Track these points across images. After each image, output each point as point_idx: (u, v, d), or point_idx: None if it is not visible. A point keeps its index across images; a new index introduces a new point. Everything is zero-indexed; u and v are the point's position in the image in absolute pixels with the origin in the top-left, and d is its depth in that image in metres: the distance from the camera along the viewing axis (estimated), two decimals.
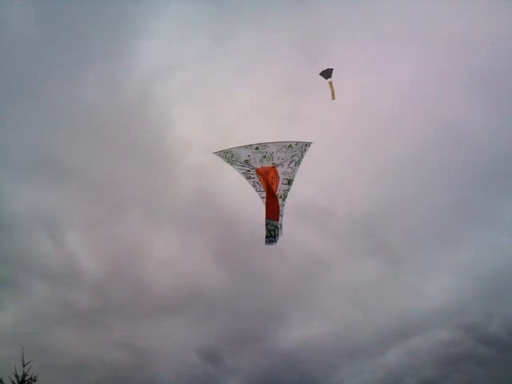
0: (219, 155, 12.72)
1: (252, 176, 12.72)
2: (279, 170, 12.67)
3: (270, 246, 12.48)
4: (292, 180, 12.76)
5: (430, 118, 26.64)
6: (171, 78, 26.49)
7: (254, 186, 12.73)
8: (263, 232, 12.70)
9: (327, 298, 26.10)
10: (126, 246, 26.09)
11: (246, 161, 12.64)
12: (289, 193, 12.79)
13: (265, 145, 12.69)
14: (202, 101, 26.49)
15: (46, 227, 25.79)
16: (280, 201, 12.69)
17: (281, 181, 12.71)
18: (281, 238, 12.89)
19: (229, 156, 12.68)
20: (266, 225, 12.65)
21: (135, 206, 27.10)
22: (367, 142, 26.51)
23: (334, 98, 15.09)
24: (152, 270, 26.33)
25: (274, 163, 12.67)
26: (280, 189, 12.71)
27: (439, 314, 24.92)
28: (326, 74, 15.37)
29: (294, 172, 12.75)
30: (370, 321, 25.31)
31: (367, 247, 27.11)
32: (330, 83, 15.17)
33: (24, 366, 11.18)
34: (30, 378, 11.18)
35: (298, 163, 12.76)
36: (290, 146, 12.75)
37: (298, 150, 12.76)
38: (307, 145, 12.80)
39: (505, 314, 24.41)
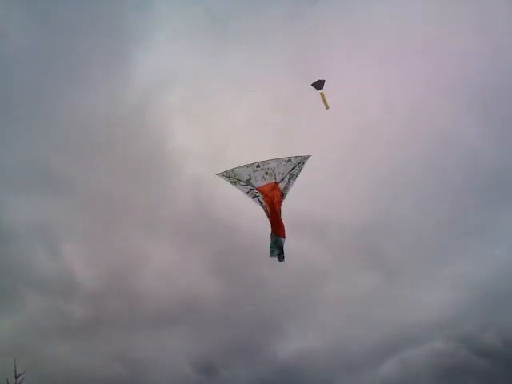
0: (223, 175, 12.84)
1: (257, 195, 12.83)
2: (281, 185, 12.83)
3: (268, 258, 12.67)
4: (286, 194, 12.87)
5: (426, 132, 26.90)
6: (170, 91, 26.77)
7: (260, 204, 12.85)
8: (269, 248, 12.89)
9: (324, 309, 26.13)
10: (122, 258, 26.14)
11: (248, 180, 12.75)
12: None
13: (265, 162, 12.83)
14: (200, 114, 26.68)
15: (43, 238, 25.98)
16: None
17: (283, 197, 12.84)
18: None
19: (232, 175, 12.81)
20: (275, 242, 12.79)
21: (132, 218, 27.21)
22: (364, 155, 26.68)
23: (327, 107, 15.22)
24: (148, 282, 26.34)
25: (275, 179, 12.79)
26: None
27: (435, 326, 25.01)
28: (318, 85, 15.55)
29: (289, 187, 12.86)
30: (366, 332, 25.34)
31: (364, 259, 27.24)
32: (322, 94, 15.34)
33: (16, 377, 11.23)
34: None
35: (295, 176, 12.88)
36: (290, 160, 12.90)
37: (296, 163, 12.90)
38: (305, 158, 12.94)
39: (500, 325, 24.53)
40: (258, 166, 12.80)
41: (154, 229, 27.42)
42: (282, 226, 12.76)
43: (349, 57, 25.12)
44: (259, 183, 12.77)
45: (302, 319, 26.19)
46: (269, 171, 12.80)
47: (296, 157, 12.90)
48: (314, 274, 26.70)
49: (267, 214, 12.78)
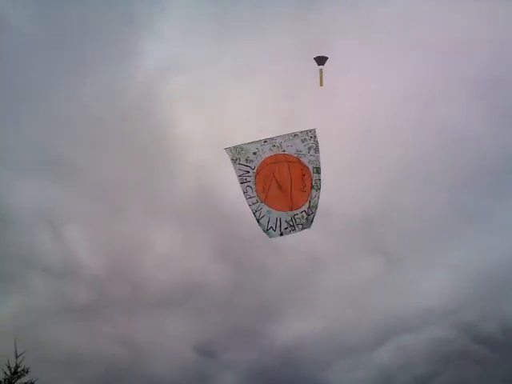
0: (230, 151, 12.75)
1: (248, 180, 12.72)
2: (304, 160, 12.77)
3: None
4: (319, 168, 12.84)
5: (427, 122, 26.88)
6: (174, 78, 26.76)
7: (245, 192, 12.69)
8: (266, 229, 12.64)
9: (324, 295, 26.35)
10: (126, 242, 26.42)
11: (254, 153, 12.72)
12: (320, 182, 12.84)
13: (272, 138, 12.84)
14: (204, 101, 26.71)
15: (46, 221, 26.18)
16: (315, 192, 12.74)
17: (311, 169, 12.77)
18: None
19: (239, 150, 12.76)
20: (279, 219, 12.65)
21: (136, 203, 27.35)
22: (365, 143, 26.70)
23: (322, 84, 15.20)
24: (151, 266, 26.58)
25: (283, 151, 12.77)
26: (313, 180, 12.75)
27: (434, 313, 25.22)
28: (320, 60, 15.47)
29: (317, 159, 12.83)
30: (365, 318, 25.58)
31: (364, 246, 27.38)
32: (321, 71, 15.31)
33: (17, 357, 11.34)
34: (23, 370, 11.32)
35: (316, 150, 12.86)
36: (296, 134, 12.90)
37: (306, 138, 12.89)
38: (311, 131, 12.92)
39: (499, 313, 24.71)
40: (265, 141, 12.84)
41: (158, 214, 27.65)
42: (292, 197, 12.74)
43: (354, 47, 25.03)
44: (266, 154, 12.75)
45: (302, 305, 26.49)
46: (276, 144, 12.82)
47: (302, 131, 12.89)
48: (314, 261, 26.87)
49: (251, 201, 12.67)
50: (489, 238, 26.02)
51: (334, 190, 26.93)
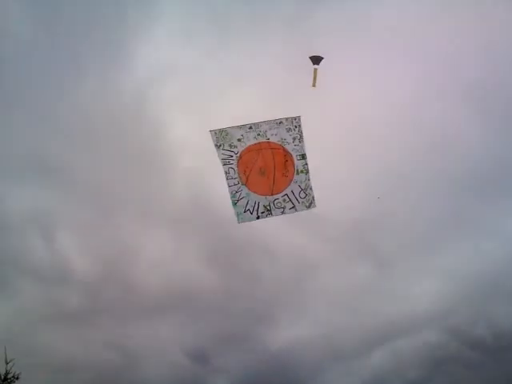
0: (214, 133, 13.11)
1: (231, 162, 13.09)
2: (288, 147, 13.18)
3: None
4: (305, 154, 13.26)
5: (420, 129, 26.95)
6: (168, 83, 26.58)
7: (227, 173, 13.07)
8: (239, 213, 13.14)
9: (316, 299, 26.42)
10: (118, 248, 26.27)
11: (239, 139, 13.07)
12: (309, 167, 13.31)
13: (258, 124, 13.19)
14: (199, 107, 26.72)
15: (38, 227, 26.11)
16: (303, 176, 13.22)
17: (295, 156, 13.19)
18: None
19: (224, 135, 13.11)
20: (257, 203, 13.08)
21: (128, 208, 27.32)
22: (358, 150, 26.80)
23: (314, 85, 15.28)
24: (143, 271, 26.47)
25: (268, 139, 13.14)
26: (297, 165, 13.19)
27: (425, 317, 25.34)
28: (315, 60, 15.51)
29: (302, 147, 13.24)
30: (357, 323, 25.64)
31: (357, 251, 27.43)
32: (315, 70, 15.35)
33: (7, 364, 11.38)
34: (13, 376, 11.36)
35: (301, 139, 13.24)
36: (281, 122, 13.27)
37: (291, 127, 13.26)
38: (296, 119, 13.28)
39: (490, 317, 24.90)
40: (250, 128, 13.19)
41: (150, 219, 27.60)
42: (273, 182, 13.20)
43: (348, 52, 25.12)
44: (251, 142, 13.11)
45: (294, 310, 26.53)
46: (261, 133, 13.18)
47: (287, 118, 13.26)
48: (306, 267, 26.96)
49: (231, 183, 13.05)
50: (479, 244, 26.27)
51: (327, 196, 27.14)
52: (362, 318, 25.67)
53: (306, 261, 26.80)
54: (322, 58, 15.57)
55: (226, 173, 13.09)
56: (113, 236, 26.48)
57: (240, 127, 13.18)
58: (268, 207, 13.12)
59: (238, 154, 13.09)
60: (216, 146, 13.14)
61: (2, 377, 11.28)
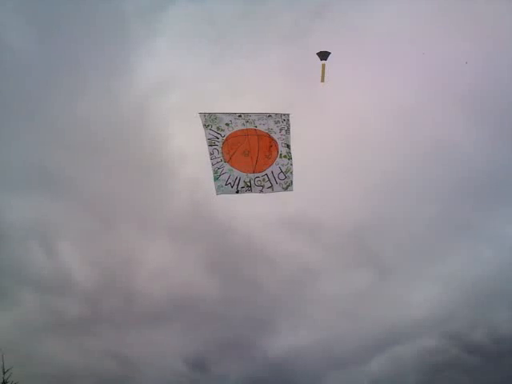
0: (204, 115, 13.54)
1: (216, 143, 13.51)
2: (274, 136, 13.68)
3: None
4: (289, 145, 13.80)
5: (418, 135, 27.05)
6: (169, 95, 26.81)
7: (211, 153, 13.48)
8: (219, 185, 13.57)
9: (315, 306, 26.39)
10: (118, 257, 26.31)
11: (227, 124, 13.50)
12: (292, 154, 13.85)
13: (247, 114, 13.65)
14: (198, 118, 26.86)
15: (39, 237, 26.11)
16: (286, 160, 13.73)
17: (280, 144, 13.71)
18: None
19: (212, 118, 13.51)
20: (238, 178, 13.52)
21: (129, 218, 27.43)
22: (357, 156, 26.93)
23: (323, 80, 15.48)
24: (143, 280, 26.52)
25: (255, 126, 13.59)
26: (281, 151, 13.70)
27: (424, 323, 25.32)
28: (323, 55, 15.69)
29: (287, 138, 13.79)
30: (356, 329, 25.64)
31: (356, 258, 27.45)
32: (323, 65, 15.50)
33: (4, 373, 11.49)
34: None
35: (287, 131, 13.79)
36: (270, 115, 13.73)
37: (280, 120, 13.75)
38: (285, 115, 13.80)
39: (489, 323, 24.85)
40: (239, 116, 13.60)
41: (150, 229, 27.71)
42: (256, 162, 13.68)
43: (346, 60, 25.31)
44: (238, 127, 13.52)
45: (294, 316, 26.58)
46: (249, 121, 13.61)
47: (276, 114, 13.73)
48: (306, 273, 27.04)
49: (215, 161, 13.44)
50: (479, 250, 26.31)
51: (326, 202, 27.36)
52: (361, 324, 25.71)
53: (305, 268, 26.92)
54: (330, 53, 15.76)
55: (210, 153, 13.52)
56: (113, 246, 26.50)
57: (229, 114, 13.63)
58: (248, 183, 13.64)
59: (225, 138, 13.51)
60: (204, 125, 13.53)
61: None
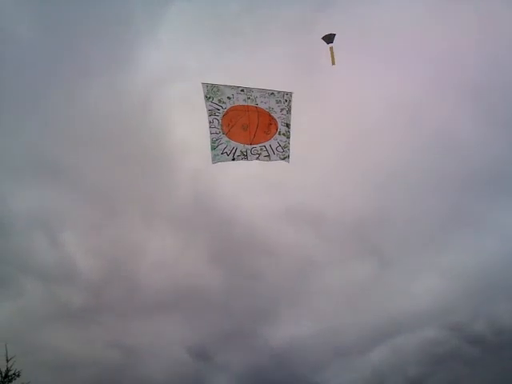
0: (206, 86, 13.47)
1: (217, 114, 13.50)
2: (274, 115, 13.69)
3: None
4: (289, 124, 13.82)
5: (420, 126, 27.19)
6: (172, 85, 26.86)
7: (211, 122, 13.47)
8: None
9: (317, 297, 26.67)
10: (122, 247, 26.61)
11: (229, 98, 13.49)
12: (291, 133, 13.85)
13: (249, 89, 13.60)
14: (201, 109, 26.90)
15: (43, 227, 26.34)
16: (284, 138, 13.76)
17: (280, 123, 13.73)
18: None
19: (215, 90, 13.49)
20: (235, 148, 13.59)
21: (132, 208, 27.65)
22: (359, 148, 27.05)
23: (334, 63, 15.50)
24: (147, 271, 26.83)
25: (257, 104, 13.60)
26: (280, 129, 13.72)
27: (426, 314, 25.44)
28: (328, 38, 15.72)
29: (288, 118, 13.78)
30: (358, 320, 25.76)
31: (358, 249, 27.75)
32: (331, 49, 15.53)
33: (7, 361, 11.56)
34: (14, 373, 11.54)
35: (288, 111, 13.76)
36: (273, 93, 13.72)
37: (281, 100, 13.73)
38: (288, 94, 13.75)
39: (490, 314, 24.95)
40: (242, 90, 13.59)
41: (154, 219, 27.96)
42: (253, 136, 13.73)
43: (349, 57, 25.31)
44: (240, 102, 13.55)
45: (296, 307, 26.79)
46: (251, 97, 13.61)
47: (279, 91, 13.72)
48: (309, 264, 27.23)
49: (214, 131, 13.46)
50: (479, 241, 26.38)
51: (328, 195, 27.48)
52: (362, 315, 25.88)
53: (307, 259, 27.11)
54: (335, 35, 15.75)
55: (210, 122, 13.48)
56: (117, 236, 26.84)
57: (232, 87, 13.58)
58: (244, 153, 13.70)
59: (225, 110, 13.51)
60: (205, 97, 13.48)
61: (3, 374, 11.47)
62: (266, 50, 25.83)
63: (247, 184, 26.22)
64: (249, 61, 25.85)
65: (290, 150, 13.79)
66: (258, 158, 13.73)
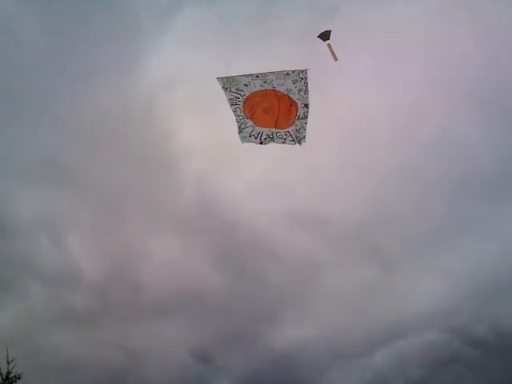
0: (221, 79, 13.70)
1: (238, 103, 13.77)
2: (293, 97, 13.71)
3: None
4: (308, 104, 13.83)
5: (423, 131, 27.14)
6: (177, 90, 27.22)
7: (234, 111, 13.83)
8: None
9: (320, 300, 26.69)
10: (126, 250, 26.83)
11: (246, 85, 13.62)
12: (309, 113, 13.92)
13: (264, 74, 13.66)
14: (205, 112, 27.11)
15: (47, 230, 26.64)
16: (302, 121, 13.90)
17: (299, 105, 13.78)
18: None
19: (230, 81, 13.68)
20: (261, 132, 13.95)
21: (137, 211, 27.83)
22: (363, 153, 27.10)
23: (336, 59, 15.56)
24: (150, 274, 26.96)
25: (274, 87, 13.66)
26: (299, 112, 13.81)
27: (428, 317, 25.47)
28: (324, 36, 15.76)
29: (306, 98, 13.77)
30: (360, 323, 25.79)
31: (360, 252, 27.73)
32: (329, 45, 15.57)
33: (8, 363, 11.65)
34: (15, 376, 11.63)
35: (306, 91, 13.72)
36: (288, 73, 13.66)
37: (297, 79, 13.66)
38: (303, 71, 13.66)
39: (491, 317, 24.96)
40: (257, 76, 13.65)
41: (158, 222, 28.11)
42: (275, 120, 13.96)
43: (350, 57, 25.32)
44: (257, 88, 13.66)
45: (299, 310, 26.92)
46: (267, 81, 13.67)
47: (293, 71, 13.63)
48: (312, 267, 27.34)
49: (238, 119, 13.82)
50: (481, 244, 26.22)
51: (332, 199, 27.54)
52: (364, 318, 25.89)
53: (310, 262, 27.19)
54: (330, 31, 15.82)
55: (233, 111, 13.82)
56: (121, 238, 27.03)
57: (246, 75, 13.69)
58: (271, 136, 13.94)
59: (245, 97, 13.71)
60: (223, 88, 13.73)
61: (4, 376, 11.57)
62: (271, 56, 25.94)
63: (251, 187, 26.41)
64: (253, 67, 25.93)
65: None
66: (284, 142, 14.04)
